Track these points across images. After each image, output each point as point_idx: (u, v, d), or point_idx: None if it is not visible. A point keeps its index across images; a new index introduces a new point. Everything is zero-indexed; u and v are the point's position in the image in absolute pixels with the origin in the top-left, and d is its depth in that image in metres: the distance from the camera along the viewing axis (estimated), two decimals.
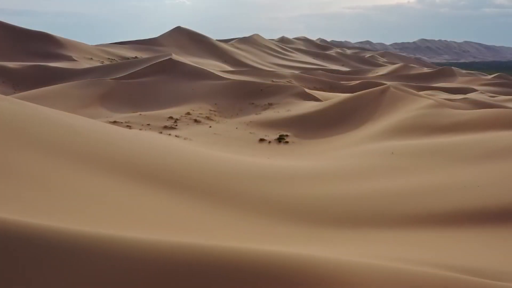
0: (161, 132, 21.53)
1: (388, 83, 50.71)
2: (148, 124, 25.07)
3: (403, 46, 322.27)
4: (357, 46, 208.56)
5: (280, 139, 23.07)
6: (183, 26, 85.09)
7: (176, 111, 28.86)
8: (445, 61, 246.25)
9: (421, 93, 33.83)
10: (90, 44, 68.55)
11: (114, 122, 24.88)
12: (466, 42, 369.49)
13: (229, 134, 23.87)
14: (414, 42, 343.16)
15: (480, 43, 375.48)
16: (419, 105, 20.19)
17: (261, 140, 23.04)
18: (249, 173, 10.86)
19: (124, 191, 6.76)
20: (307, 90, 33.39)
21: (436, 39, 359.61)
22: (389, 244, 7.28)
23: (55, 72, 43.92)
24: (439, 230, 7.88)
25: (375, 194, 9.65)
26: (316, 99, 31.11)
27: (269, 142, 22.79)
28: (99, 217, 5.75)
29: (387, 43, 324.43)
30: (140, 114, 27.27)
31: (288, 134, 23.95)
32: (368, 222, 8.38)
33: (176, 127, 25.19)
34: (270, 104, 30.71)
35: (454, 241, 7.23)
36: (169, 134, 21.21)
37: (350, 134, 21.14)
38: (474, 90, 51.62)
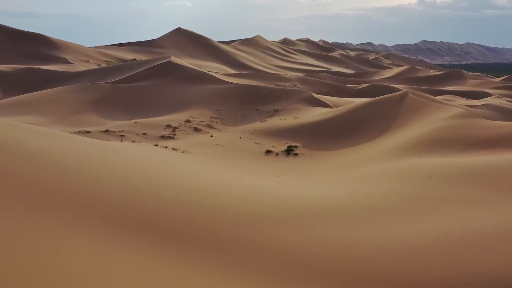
0: (156, 144, 19.33)
1: (397, 86, 48.54)
2: (144, 133, 22.89)
3: (404, 48, 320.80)
4: (359, 47, 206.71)
5: (289, 151, 20.88)
6: (184, 28, 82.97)
7: (174, 118, 26.67)
8: (447, 62, 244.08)
9: (438, 98, 31.68)
10: (88, 46, 66.30)
11: (107, 132, 22.72)
12: (468, 43, 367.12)
13: (233, 145, 21.66)
14: (415, 44, 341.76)
15: (481, 45, 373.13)
16: (446, 114, 17.93)
17: (268, 151, 20.86)
18: (253, 210, 8.71)
19: (90, 249, 4.64)
20: (315, 95, 31.16)
21: (438, 40, 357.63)
22: None
23: (49, 75, 41.76)
24: None
25: (418, 245, 7.41)
26: (325, 105, 28.89)
27: (277, 154, 20.60)
28: None
29: (389, 44, 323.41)
30: (136, 122, 25.06)
31: (297, 145, 21.76)
32: None
33: (175, 136, 23.01)
34: (276, 111, 28.49)
35: None
36: (166, 147, 19.02)
37: (368, 146, 18.89)
38: (487, 94, 49.46)
